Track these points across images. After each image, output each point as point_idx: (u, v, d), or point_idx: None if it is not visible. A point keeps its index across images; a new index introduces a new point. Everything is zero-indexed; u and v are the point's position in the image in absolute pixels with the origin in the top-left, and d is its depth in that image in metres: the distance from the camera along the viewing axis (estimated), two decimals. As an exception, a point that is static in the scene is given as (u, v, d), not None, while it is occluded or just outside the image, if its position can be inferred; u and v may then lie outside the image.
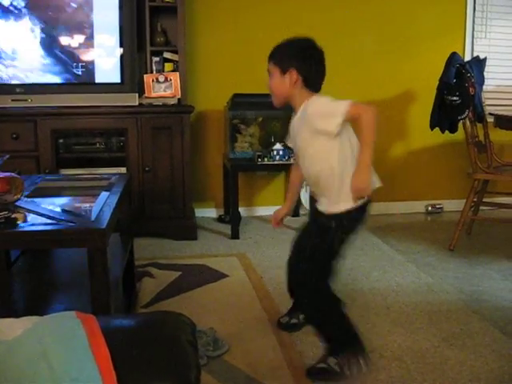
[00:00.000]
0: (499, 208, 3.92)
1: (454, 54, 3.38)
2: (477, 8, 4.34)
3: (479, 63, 3.67)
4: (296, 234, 2.23)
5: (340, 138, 1.94)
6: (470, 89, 3.33)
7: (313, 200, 2.19)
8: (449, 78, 3.33)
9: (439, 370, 2.09)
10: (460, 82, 3.33)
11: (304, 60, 2.00)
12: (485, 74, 3.72)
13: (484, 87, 3.76)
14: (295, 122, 2.07)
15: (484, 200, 3.80)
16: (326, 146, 1.96)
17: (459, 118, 3.37)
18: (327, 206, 2.01)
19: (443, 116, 3.46)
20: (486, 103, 3.85)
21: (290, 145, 2.21)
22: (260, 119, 3.93)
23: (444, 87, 3.37)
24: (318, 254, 2.05)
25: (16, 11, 3.33)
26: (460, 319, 2.52)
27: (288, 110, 2.39)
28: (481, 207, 3.87)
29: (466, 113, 3.35)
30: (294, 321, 2.41)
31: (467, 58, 4.21)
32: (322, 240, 2.04)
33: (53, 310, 1.19)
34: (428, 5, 4.25)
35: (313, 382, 2.02)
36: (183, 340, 1.20)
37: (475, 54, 4.14)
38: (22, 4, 3.31)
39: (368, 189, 1.94)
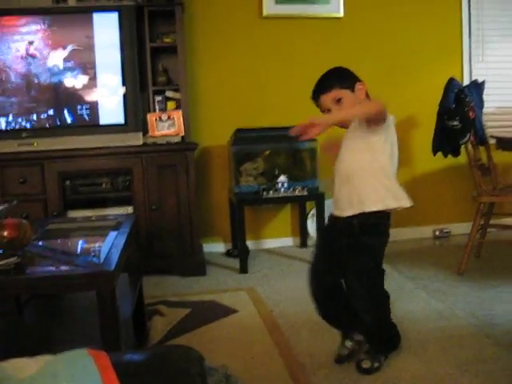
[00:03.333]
0: (507, 229, 3.90)
1: (451, 80, 3.43)
2: (472, 32, 4.39)
3: (478, 87, 3.70)
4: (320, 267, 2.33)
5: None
6: (470, 113, 3.36)
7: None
8: (448, 103, 3.37)
9: (454, 398, 2.07)
10: (459, 107, 3.36)
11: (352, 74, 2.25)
12: (484, 96, 3.75)
13: (484, 110, 3.78)
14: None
15: (491, 222, 3.79)
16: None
17: (461, 141, 3.40)
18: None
19: (445, 140, 3.48)
20: (488, 125, 3.87)
21: None
22: (264, 153, 3.97)
23: (444, 112, 3.40)
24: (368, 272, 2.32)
25: (20, 56, 3.41)
26: (473, 345, 2.50)
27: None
28: (488, 229, 3.86)
29: (468, 136, 3.38)
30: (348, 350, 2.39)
31: (466, 81, 4.25)
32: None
33: (65, 349, 1.21)
34: (424, 31, 4.30)
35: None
36: (192, 372, 1.21)
37: (473, 77, 4.18)
38: (25, 48, 3.39)
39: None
